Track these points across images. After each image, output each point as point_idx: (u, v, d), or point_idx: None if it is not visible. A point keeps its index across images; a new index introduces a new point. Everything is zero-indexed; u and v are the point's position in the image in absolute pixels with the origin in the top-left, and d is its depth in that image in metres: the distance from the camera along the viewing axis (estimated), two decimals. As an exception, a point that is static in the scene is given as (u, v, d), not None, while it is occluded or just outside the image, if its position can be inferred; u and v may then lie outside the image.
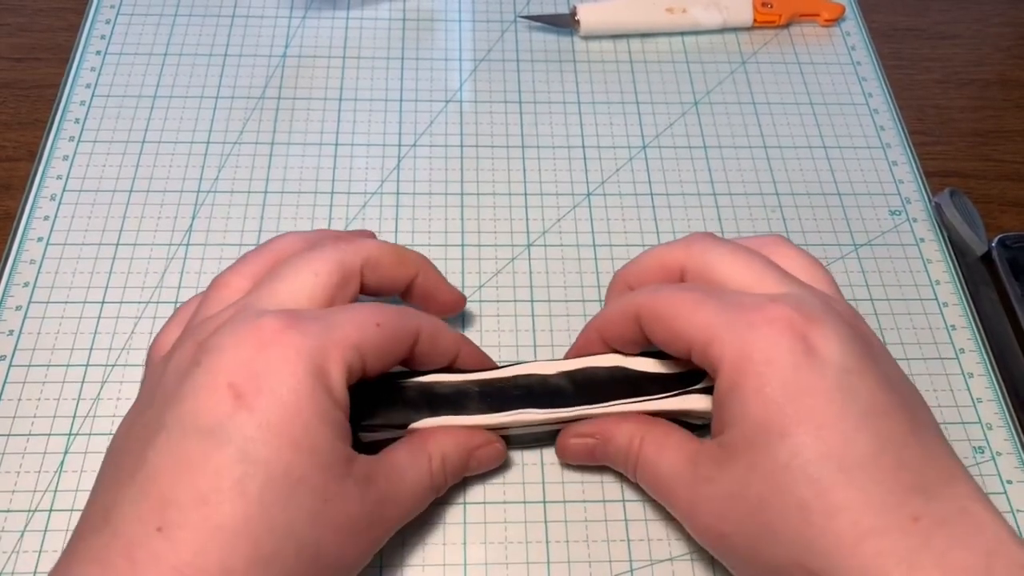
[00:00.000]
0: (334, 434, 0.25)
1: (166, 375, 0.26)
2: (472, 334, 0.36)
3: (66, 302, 0.36)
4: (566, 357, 0.33)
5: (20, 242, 0.38)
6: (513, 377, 0.31)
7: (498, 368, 0.31)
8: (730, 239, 0.31)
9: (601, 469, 0.33)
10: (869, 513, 0.23)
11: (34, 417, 0.33)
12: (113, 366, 0.34)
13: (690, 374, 0.31)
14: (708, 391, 0.30)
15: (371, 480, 0.26)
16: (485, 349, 0.35)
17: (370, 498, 0.26)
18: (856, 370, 0.25)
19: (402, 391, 0.30)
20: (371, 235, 0.35)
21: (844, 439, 0.24)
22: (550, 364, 0.31)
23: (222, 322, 0.26)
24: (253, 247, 0.38)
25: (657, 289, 0.29)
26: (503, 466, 0.33)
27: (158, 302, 0.36)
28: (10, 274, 0.37)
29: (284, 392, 0.24)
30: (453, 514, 0.32)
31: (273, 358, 0.24)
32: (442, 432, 0.30)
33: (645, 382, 0.31)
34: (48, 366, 0.34)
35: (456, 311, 0.34)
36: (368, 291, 0.30)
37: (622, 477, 0.32)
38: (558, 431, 0.32)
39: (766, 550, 0.25)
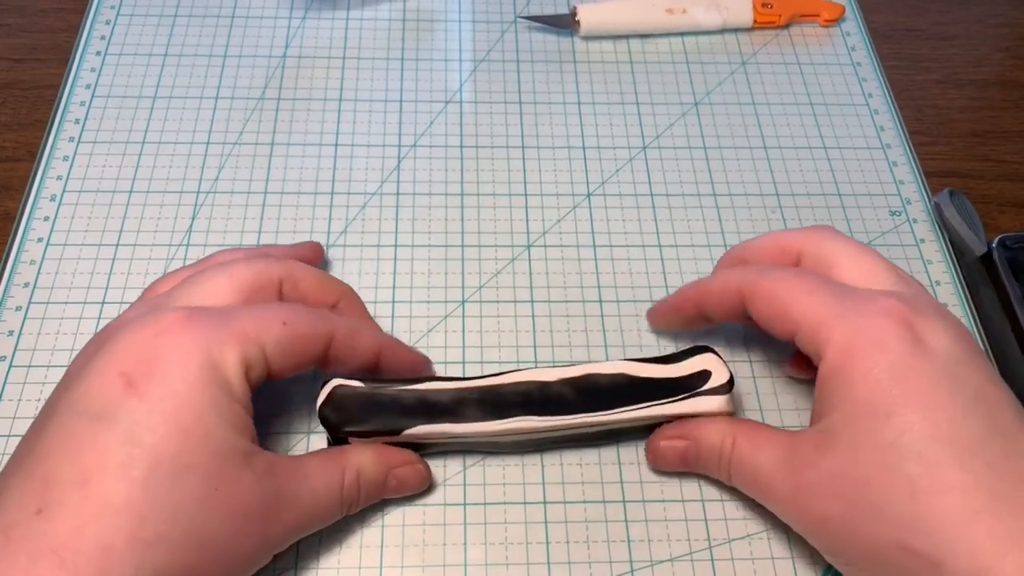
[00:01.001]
0: (228, 426, 0.25)
1: (71, 365, 0.27)
2: (472, 334, 0.36)
3: (66, 302, 0.36)
4: (650, 315, 0.35)
5: (20, 243, 0.38)
6: (513, 384, 0.31)
7: (496, 375, 0.31)
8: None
9: (599, 469, 0.33)
10: (981, 494, 0.23)
11: (34, 417, 0.33)
12: (113, 367, 0.34)
13: (692, 379, 0.31)
14: (716, 391, 0.30)
15: (271, 475, 0.26)
16: (485, 350, 0.35)
17: (266, 491, 0.26)
18: (964, 361, 0.26)
19: (398, 398, 0.30)
20: (317, 250, 0.36)
21: (953, 422, 0.24)
22: (550, 371, 0.31)
23: (131, 318, 0.27)
24: (253, 247, 0.38)
25: (769, 269, 0.30)
26: (503, 467, 0.33)
27: (158, 303, 0.36)
28: (10, 275, 0.37)
29: (176, 381, 0.25)
30: (453, 515, 0.32)
31: (167, 347, 0.25)
32: (363, 447, 0.30)
33: (648, 388, 0.31)
34: (48, 367, 0.34)
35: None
36: None
37: (621, 477, 0.33)
38: (560, 438, 0.32)
39: (868, 529, 0.25)
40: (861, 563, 0.26)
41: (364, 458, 0.29)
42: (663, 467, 0.32)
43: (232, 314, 0.27)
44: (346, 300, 0.33)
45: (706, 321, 0.33)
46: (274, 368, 0.27)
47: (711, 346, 0.32)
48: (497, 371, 0.31)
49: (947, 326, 0.27)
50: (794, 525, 0.28)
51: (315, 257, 0.36)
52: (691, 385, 0.31)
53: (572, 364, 0.31)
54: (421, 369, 0.33)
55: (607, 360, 0.32)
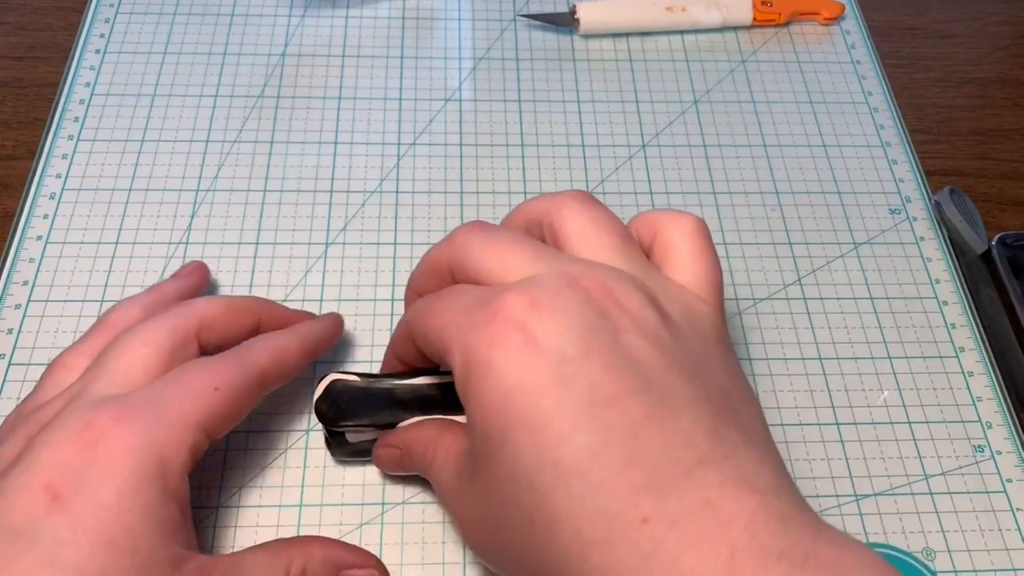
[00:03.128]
0: (162, 534, 0.24)
1: None
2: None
3: (65, 301, 0.36)
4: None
5: (19, 241, 0.38)
6: None
7: None
8: (495, 225, 0.28)
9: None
10: (589, 523, 0.20)
11: (33, 416, 0.33)
12: (112, 365, 0.34)
13: None
14: None
15: None
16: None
17: None
18: (576, 357, 0.22)
19: (394, 391, 0.30)
20: (205, 272, 0.35)
21: (559, 439, 0.21)
22: None
23: (53, 413, 0.26)
24: (252, 245, 0.38)
25: (420, 302, 0.28)
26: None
27: (157, 301, 0.36)
28: (9, 273, 0.37)
29: (106, 492, 0.23)
30: (453, 513, 0.32)
31: (100, 457, 0.24)
32: (313, 543, 0.28)
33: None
34: (47, 365, 0.34)
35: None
36: (209, 351, 0.29)
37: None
38: None
39: (515, 567, 0.24)
40: None
41: (314, 555, 0.27)
42: (384, 470, 0.31)
43: (163, 399, 0.25)
44: (265, 315, 0.31)
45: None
46: (215, 437, 0.26)
47: None
48: None
49: (563, 310, 0.22)
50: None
51: (204, 280, 0.35)
52: None
53: None
54: (331, 327, 0.33)
55: None
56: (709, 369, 0.24)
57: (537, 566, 0.22)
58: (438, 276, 0.28)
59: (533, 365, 0.22)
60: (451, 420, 0.29)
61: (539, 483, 0.21)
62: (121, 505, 0.23)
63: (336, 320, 0.34)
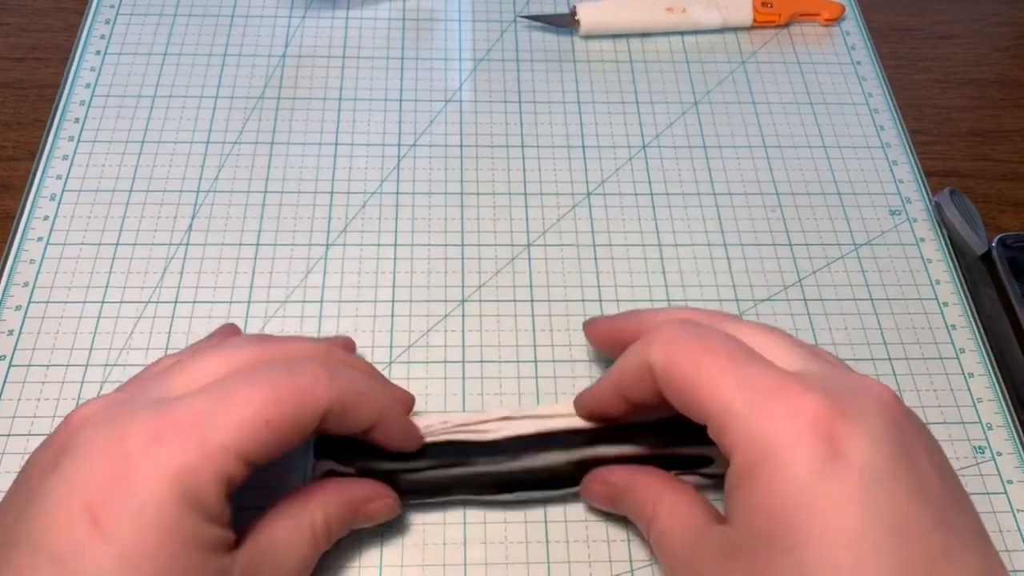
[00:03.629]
0: (204, 553, 0.23)
1: (31, 464, 0.25)
2: (472, 334, 0.36)
3: (66, 302, 0.36)
4: (577, 405, 0.31)
5: (20, 242, 0.38)
6: (520, 471, 0.30)
7: (496, 440, 0.30)
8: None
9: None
10: None
11: (34, 417, 0.33)
12: (113, 366, 0.34)
13: (688, 459, 0.30)
14: (710, 476, 0.30)
15: (253, 574, 0.25)
16: (485, 349, 0.36)
17: None
18: (885, 477, 0.22)
19: (392, 483, 0.30)
20: (351, 346, 0.34)
21: (859, 560, 0.21)
22: (559, 453, 0.30)
23: (97, 412, 0.25)
24: (252, 246, 0.38)
25: (677, 335, 0.26)
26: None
27: (158, 302, 0.36)
28: (10, 274, 0.37)
29: (146, 520, 0.22)
30: (453, 514, 0.32)
31: (136, 479, 0.22)
32: (328, 488, 0.28)
33: (654, 463, 0.30)
34: (48, 366, 0.34)
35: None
36: None
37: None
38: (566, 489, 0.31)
39: None
40: None
41: (331, 502, 0.28)
42: (594, 504, 0.31)
43: (207, 422, 0.23)
44: (387, 414, 0.28)
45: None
46: (256, 466, 0.25)
47: None
48: (502, 422, 0.31)
49: (871, 424, 0.23)
50: None
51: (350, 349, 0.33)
52: (697, 461, 0.30)
53: (581, 434, 0.31)
54: (413, 446, 0.31)
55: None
56: (964, 493, 0.25)
57: None
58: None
59: (841, 479, 0.22)
60: (670, 475, 0.29)
61: None
62: (161, 535, 0.22)
63: (416, 435, 0.30)
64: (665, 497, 0.28)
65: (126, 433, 0.23)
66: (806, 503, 0.22)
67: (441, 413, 0.32)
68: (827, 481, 0.22)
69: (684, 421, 0.26)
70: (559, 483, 0.31)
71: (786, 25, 0.49)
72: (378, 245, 0.39)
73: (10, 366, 0.34)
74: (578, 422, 0.31)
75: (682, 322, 0.27)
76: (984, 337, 0.37)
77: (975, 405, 0.35)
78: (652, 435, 0.30)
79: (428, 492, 0.30)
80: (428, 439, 0.30)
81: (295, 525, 0.27)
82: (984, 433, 0.35)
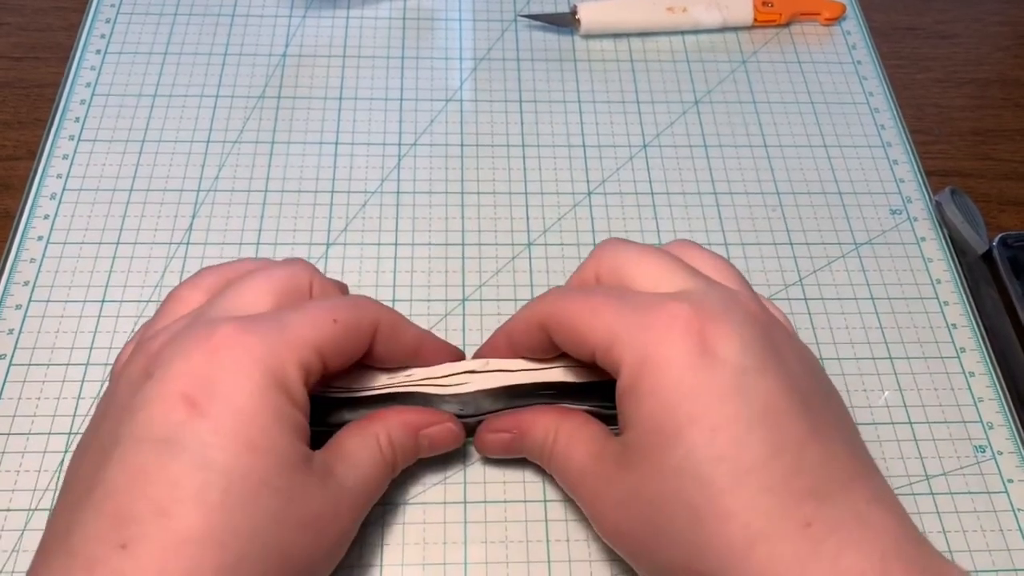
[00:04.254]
0: (293, 434, 0.25)
1: (119, 389, 0.26)
2: (472, 333, 0.36)
3: (66, 301, 0.36)
4: (475, 357, 0.33)
5: (20, 241, 0.38)
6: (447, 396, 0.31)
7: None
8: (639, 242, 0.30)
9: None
10: (759, 519, 0.23)
11: (34, 416, 0.33)
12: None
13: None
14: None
15: (330, 473, 0.26)
16: (486, 348, 0.35)
17: (331, 492, 0.26)
18: (754, 369, 0.24)
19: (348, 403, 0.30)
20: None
21: (737, 441, 0.24)
22: (530, 372, 0.31)
23: (174, 333, 0.26)
24: (253, 246, 0.38)
25: (560, 294, 0.29)
26: (503, 464, 0.33)
27: (158, 301, 0.36)
28: (10, 273, 0.37)
29: (239, 397, 0.24)
30: (453, 513, 0.32)
31: (226, 364, 0.24)
32: (387, 413, 0.29)
33: (567, 394, 0.31)
34: (48, 365, 0.34)
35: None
36: None
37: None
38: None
39: (661, 553, 0.25)
40: None
41: (392, 423, 0.29)
42: (488, 455, 0.32)
43: (285, 320, 0.26)
44: (425, 336, 0.32)
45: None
46: (330, 368, 0.27)
47: None
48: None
49: (737, 325, 0.25)
50: (597, 530, 0.28)
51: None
52: (606, 391, 0.30)
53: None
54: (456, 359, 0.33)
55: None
56: (835, 393, 0.27)
57: (690, 554, 0.24)
58: (583, 285, 0.30)
59: (713, 371, 0.24)
60: (564, 407, 0.30)
61: (715, 478, 0.23)
62: (254, 409, 0.24)
63: (455, 350, 0.33)
64: (563, 424, 0.29)
65: (212, 332, 0.25)
66: (686, 396, 0.24)
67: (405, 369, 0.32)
68: (702, 374, 0.24)
69: None
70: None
71: (787, 24, 0.49)
72: (378, 244, 0.39)
73: (10, 365, 0.34)
74: (544, 376, 0.31)
75: (562, 288, 0.30)
76: (985, 336, 0.37)
77: (976, 404, 0.35)
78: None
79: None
80: (390, 390, 0.30)
81: (363, 440, 0.28)
82: (985, 432, 0.35)
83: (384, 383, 0.31)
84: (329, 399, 0.30)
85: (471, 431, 0.32)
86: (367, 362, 0.30)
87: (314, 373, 0.26)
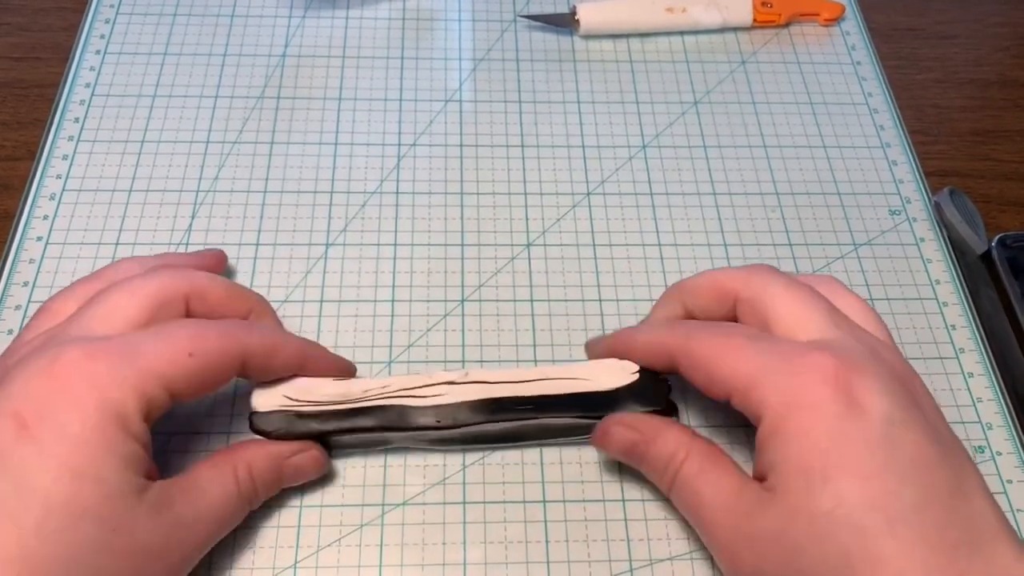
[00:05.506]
0: (124, 465, 0.24)
1: None
2: (472, 333, 0.36)
3: (65, 301, 0.36)
4: (590, 352, 0.33)
5: (19, 241, 0.38)
6: (459, 437, 0.31)
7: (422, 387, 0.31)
8: (788, 273, 0.30)
9: (599, 468, 0.33)
10: (915, 568, 0.23)
11: None
12: (113, 365, 0.34)
13: (639, 390, 0.31)
14: (665, 413, 0.31)
15: (167, 505, 0.26)
16: (485, 348, 0.36)
17: (165, 523, 0.25)
18: (900, 421, 0.25)
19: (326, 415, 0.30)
20: (221, 258, 0.36)
21: (888, 491, 0.24)
22: (501, 422, 0.31)
23: (27, 352, 0.26)
24: (252, 246, 0.38)
25: (693, 331, 0.29)
26: (503, 465, 0.33)
27: (158, 301, 0.36)
28: (9, 274, 0.37)
29: (71, 425, 0.24)
30: (453, 513, 0.32)
31: (64, 389, 0.24)
32: (249, 445, 0.29)
33: (546, 408, 0.31)
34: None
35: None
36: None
37: (621, 475, 0.32)
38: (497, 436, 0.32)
39: None
40: None
41: (254, 455, 0.29)
42: (605, 450, 0.31)
43: (136, 348, 0.26)
44: (257, 312, 0.32)
45: None
46: (180, 397, 0.27)
47: (670, 406, 0.31)
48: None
49: (881, 379, 0.26)
50: (723, 566, 0.28)
51: (218, 266, 0.35)
52: (639, 396, 0.31)
53: (520, 418, 0.31)
54: (348, 375, 0.33)
55: (557, 412, 0.31)
56: (963, 446, 0.27)
57: None
58: (718, 297, 0.30)
59: (861, 422, 0.25)
60: (696, 436, 0.30)
61: (865, 523, 0.24)
62: (85, 436, 0.24)
63: (343, 364, 0.33)
64: (695, 447, 0.29)
65: (58, 355, 0.25)
66: (835, 443, 0.25)
67: (382, 378, 0.31)
68: (849, 423, 0.25)
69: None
70: (500, 441, 0.32)
71: (786, 25, 0.49)
72: (378, 245, 0.39)
73: (10, 366, 0.34)
74: (524, 389, 0.31)
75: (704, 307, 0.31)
76: (984, 337, 0.37)
77: (975, 405, 0.35)
78: (604, 405, 0.31)
79: (364, 446, 0.32)
80: (364, 403, 0.30)
81: (218, 472, 0.28)
82: (984, 433, 0.35)
83: (357, 395, 0.31)
84: (301, 413, 0.30)
85: (451, 442, 0.32)
86: (244, 377, 0.29)
87: (158, 406, 0.26)
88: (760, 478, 0.27)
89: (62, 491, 0.23)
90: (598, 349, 0.33)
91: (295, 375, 0.30)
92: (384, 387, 0.31)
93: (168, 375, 0.26)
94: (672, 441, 0.29)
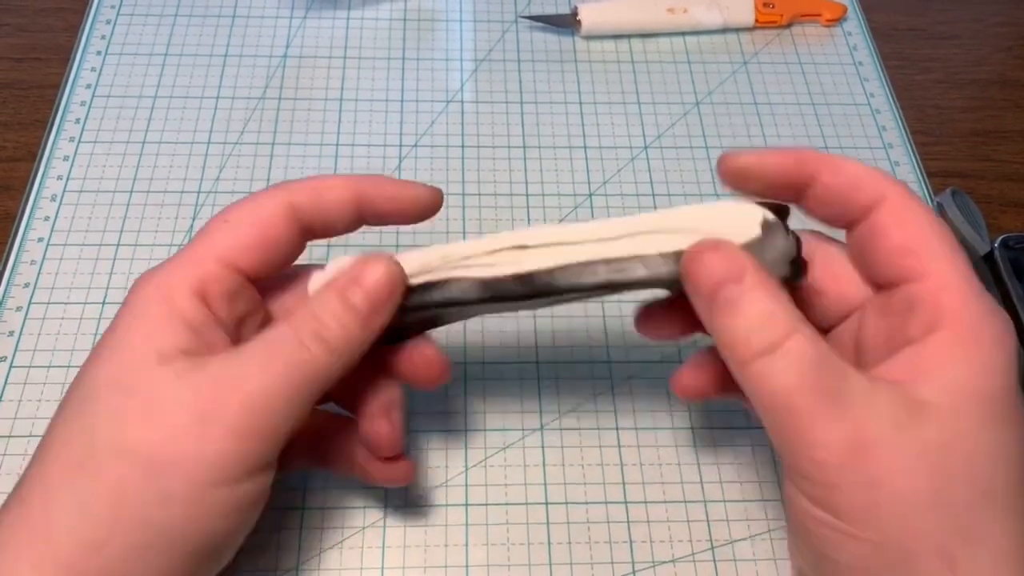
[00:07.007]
0: (149, 338, 0.24)
1: None
2: (474, 333, 0.36)
3: (66, 303, 0.36)
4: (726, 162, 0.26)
5: (20, 242, 0.37)
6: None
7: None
8: None
9: (602, 470, 0.33)
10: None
11: (35, 418, 0.33)
12: (114, 367, 0.34)
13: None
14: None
15: (198, 368, 0.24)
16: (488, 349, 0.35)
17: (189, 385, 0.23)
18: None
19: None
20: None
21: None
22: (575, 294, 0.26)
23: None
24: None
25: (914, 199, 0.25)
26: (505, 468, 0.33)
27: (159, 303, 0.36)
28: (10, 275, 0.37)
29: (128, 314, 0.25)
30: (455, 515, 0.32)
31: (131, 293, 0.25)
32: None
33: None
34: (49, 367, 0.34)
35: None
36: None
37: (624, 477, 0.32)
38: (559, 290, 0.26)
39: (930, 520, 0.22)
40: (886, 550, 0.22)
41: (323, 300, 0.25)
42: (691, 281, 0.24)
43: (190, 247, 0.26)
44: (364, 184, 0.28)
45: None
46: (247, 270, 0.26)
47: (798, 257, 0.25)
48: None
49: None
50: (815, 467, 0.22)
51: None
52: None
53: (603, 288, 0.25)
54: (432, 200, 0.28)
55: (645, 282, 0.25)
56: None
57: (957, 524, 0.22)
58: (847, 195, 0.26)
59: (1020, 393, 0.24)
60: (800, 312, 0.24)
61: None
62: (121, 319, 0.25)
63: (416, 190, 0.28)
64: (804, 319, 0.23)
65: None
66: (1015, 395, 0.23)
67: (437, 247, 0.27)
68: (1017, 392, 0.23)
69: None
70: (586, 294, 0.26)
71: (788, 25, 0.49)
72: (379, 245, 0.38)
73: (11, 367, 0.34)
74: (603, 251, 0.25)
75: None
76: (986, 338, 0.37)
77: (977, 406, 0.35)
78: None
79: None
80: (425, 278, 0.26)
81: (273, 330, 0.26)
82: (987, 434, 0.35)
83: (416, 268, 0.26)
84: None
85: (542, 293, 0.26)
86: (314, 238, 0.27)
87: (216, 280, 0.25)
88: (904, 381, 0.23)
89: (90, 366, 0.24)
90: (750, 161, 0.26)
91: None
92: (444, 258, 0.26)
93: (213, 250, 0.25)
94: (776, 301, 0.23)
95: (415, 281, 0.26)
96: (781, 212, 0.25)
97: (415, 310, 0.26)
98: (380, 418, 0.27)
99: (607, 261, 0.25)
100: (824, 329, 0.27)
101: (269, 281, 0.27)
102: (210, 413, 0.23)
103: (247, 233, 0.26)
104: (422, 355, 0.27)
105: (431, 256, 0.26)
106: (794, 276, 0.25)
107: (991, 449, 0.23)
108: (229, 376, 0.24)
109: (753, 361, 0.23)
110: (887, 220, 0.25)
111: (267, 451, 0.24)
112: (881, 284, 0.26)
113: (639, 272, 0.25)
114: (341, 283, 0.25)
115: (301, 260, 0.28)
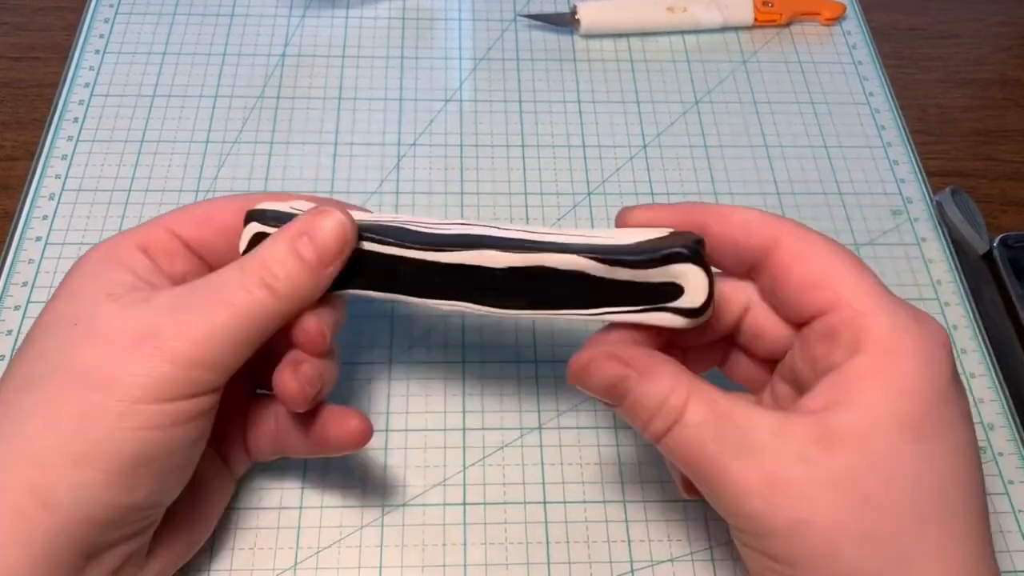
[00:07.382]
0: (97, 284, 0.26)
1: None
2: (472, 333, 0.36)
3: (65, 302, 0.36)
4: (631, 218, 0.28)
5: (18, 242, 0.37)
6: (459, 266, 0.27)
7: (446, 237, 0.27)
8: None
9: (600, 469, 0.33)
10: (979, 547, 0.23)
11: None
12: (112, 366, 0.34)
13: (660, 288, 0.26)
14: (683, 313, 0.26)
15: (144, 301, 0.26)
16: (486, 349, 0.35)
17: (136, 312, 0.25)
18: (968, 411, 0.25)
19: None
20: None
21: (970, 467, 0.24)
22: (499, 256, 0.26)
23: None
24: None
25: (807, 229, 0.26)
26: (503, 467, 0.32)
27: (157, 302, 0.36)
28: (8, 274, 0.36)
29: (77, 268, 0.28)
30: (453, 514, 0.32)
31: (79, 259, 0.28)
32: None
33: (607, 290, 0.26)
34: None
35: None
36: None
37: (622, 476, 0.32)
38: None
39: (851, 549, 0.22)
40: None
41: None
42: (581, 383, 0.26)
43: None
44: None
45: None
46: (191, 238, 0.28)
47: (700, 252, 0.26)
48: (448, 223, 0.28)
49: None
50: (748, 520, 0.23)
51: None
52: (657, 296, 0.26)
53: (527, 248, 0.26)
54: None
55: (566, 250, 0.26)
56: None
57: (888, 554, 0.23)
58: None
59: (960, 395, 0.25)
60: (695, 377, 0.25)
61: (949, 496, 0.23)
62: (76, 270, 0.27)
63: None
64: (696, 391, 0.24)
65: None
66: (942, 406, 0.23)
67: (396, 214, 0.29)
68: (954, 395, 0.24)
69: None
70: (496, 296, 0.27)
71: (787, 24, 0.49)
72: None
73: (9, 366, 0.34)
74: (532, 236, 0.27)
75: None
76: (986, 337, 0.37)
77: (977, 406, 0.35)
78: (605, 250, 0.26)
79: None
80: (375, 226, 0.27)
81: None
82: (986, 434, 0.35)
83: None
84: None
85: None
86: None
87: (156, 239, 0.28)
88: (821, 409, 0.24)
89: (51, 307, 0.26)
90: (643, 216, 0.28)
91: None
92: (393, 219, 0.28)
93: (160, 221, 0.28)
94: (664, 384, 0.24)
95: (368, 235, 0.27)
96: (698, 242, 0.26)
97: (366, 260, 0.27)
98: (286, 370, 0.27)
99: (532, 240, 0.27)
100: (772, 361, 0.28)
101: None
102: (148, 339, 0.24)
103: (194, 211, 0.29)
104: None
105: (386, 217, 0.28)
106: (701, 311, 0.26)
107: (915, 468, 0.23)
108: (171, 308, 0.25)
109: (661, 439, 0.25)
110: (786, 259, 0.26)
111: (205, 379, 0.25)
112: (801, 321, 0.26)
113: (556, 248, 0.26)
114: (292, 232, 0.26)
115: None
